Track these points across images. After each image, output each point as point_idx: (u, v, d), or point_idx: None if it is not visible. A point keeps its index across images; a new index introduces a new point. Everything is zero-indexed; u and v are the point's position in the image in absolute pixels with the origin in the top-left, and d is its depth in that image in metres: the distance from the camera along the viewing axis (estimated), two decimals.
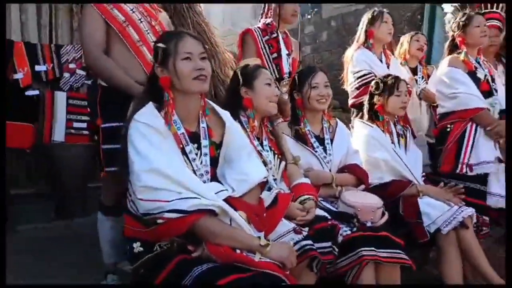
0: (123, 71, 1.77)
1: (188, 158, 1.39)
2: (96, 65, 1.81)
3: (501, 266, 2.67)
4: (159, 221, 1.26)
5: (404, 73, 2.75)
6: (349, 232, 1.70)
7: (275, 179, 1.72)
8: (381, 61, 2.58)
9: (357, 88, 2.48)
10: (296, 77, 2.07)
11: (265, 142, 1.77)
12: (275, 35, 2.39)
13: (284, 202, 1.54)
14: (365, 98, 2.31)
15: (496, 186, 2.25)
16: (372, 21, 2.56)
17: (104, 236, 1.95)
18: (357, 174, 1.99)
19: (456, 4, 3.21)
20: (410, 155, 2.21)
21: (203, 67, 1.37)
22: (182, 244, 1.31)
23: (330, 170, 1.98)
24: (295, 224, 1.57)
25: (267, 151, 1.75)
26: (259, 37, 2.38)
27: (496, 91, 2.33)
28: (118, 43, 1.81)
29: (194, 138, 1.42)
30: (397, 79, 2.22)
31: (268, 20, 2.44)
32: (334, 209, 1.86)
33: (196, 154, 1.41)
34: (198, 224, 1.27)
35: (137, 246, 1.32)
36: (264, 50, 2.37)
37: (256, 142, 1.73)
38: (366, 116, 2.28)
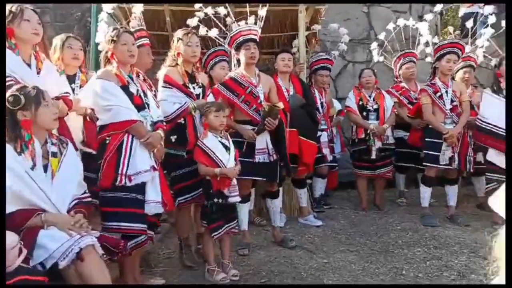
0: None
1: None
2: None
3: (162, 263, 2.92)
4: None
5: (62, 81, 2.41)
6: None
7: None
8: (29, 65, 2.14)
9: None
10: None
11: None
12: None
13: None
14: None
15: (153, 194, 2.32)
16: (11, 18, 2.05)
17: None
18: None
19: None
20: (60, 177, 1.91)
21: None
22: None
23: None
24: None
25: None
26: None
27: (148, 105, 2.39)
28: None
29: None
30: (38, 89, 1.90)
31: None
32: None
33: None
34: None
35: None
36: None
37: None
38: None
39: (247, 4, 3.28)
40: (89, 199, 2.08)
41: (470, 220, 3.68)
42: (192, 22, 3.34)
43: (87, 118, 2.49)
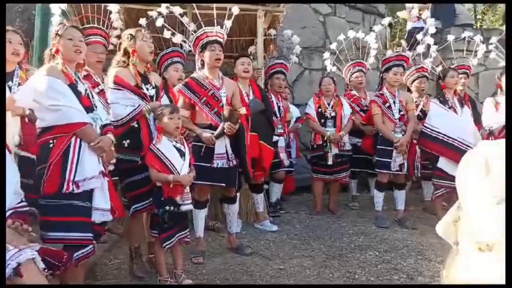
0: None
1: None
2: None
3: (111, 274, 2.75)
4: None
5: None
6: None
7: None
8: None
9: None
10: None
11: None
12: None
13: None
14: None
15: (102, 201, 2.16)
16: None
17: None
18: None
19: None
20: None
21: None
22: None
23: None
24: None
25: None
26: None
27: (96, 106, 2.23)
28: None
29: None
30: None
31: None
32: None
33: None
34: None
35: None
36: None
37: None
38: None
39: (214, 6, 3.21)
40: (26, 208, 1.87)
41: (417, 223, 3.85)
42: (157, 22, 3.26)
43: (25, 119, 2.26)
